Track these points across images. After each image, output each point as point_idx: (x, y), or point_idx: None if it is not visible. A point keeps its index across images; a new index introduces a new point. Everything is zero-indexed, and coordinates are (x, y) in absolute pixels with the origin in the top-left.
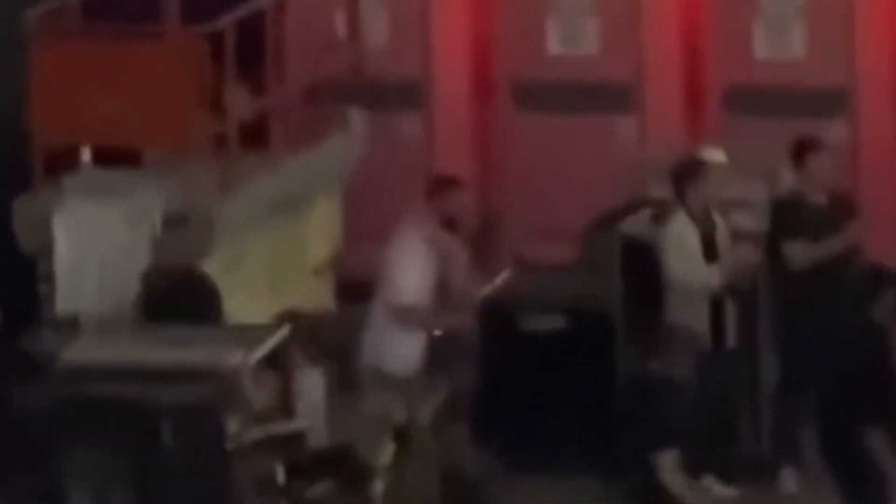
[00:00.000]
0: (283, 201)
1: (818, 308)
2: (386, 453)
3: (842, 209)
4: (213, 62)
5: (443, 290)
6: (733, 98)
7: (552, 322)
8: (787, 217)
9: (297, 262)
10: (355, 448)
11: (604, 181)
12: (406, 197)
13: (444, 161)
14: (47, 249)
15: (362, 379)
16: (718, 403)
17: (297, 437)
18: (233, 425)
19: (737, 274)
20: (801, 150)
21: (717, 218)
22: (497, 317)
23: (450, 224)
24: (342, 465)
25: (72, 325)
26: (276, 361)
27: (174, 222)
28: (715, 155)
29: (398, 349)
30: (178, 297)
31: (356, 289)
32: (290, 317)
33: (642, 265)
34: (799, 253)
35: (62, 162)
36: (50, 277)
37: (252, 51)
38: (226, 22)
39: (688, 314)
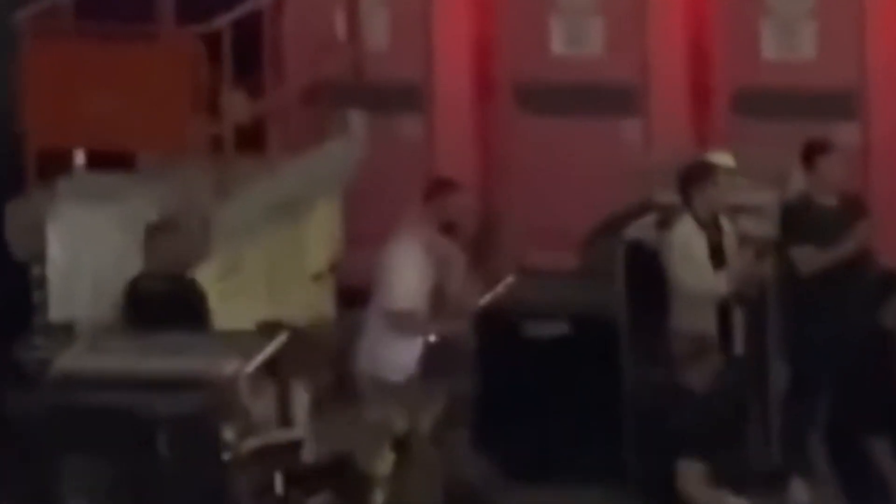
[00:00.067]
0: (282, 206)
1: (828, 313)
2: (386, 463)
3: (853, 211)
4: (210, 63)
5: (439, 295)
6: (741, 100)
7: (555, 328)
8: (797, 221)
9: (296, 268)
10: (354, 457)
11: (608, 185)
12: (407, 201)
13: (445, 164)
14: (40, 255)
15: (360, 387)
16: (727, 412)
17: (295, 447)
18: (229, 435)
19: (744, 280)
20: (812, 153)
21: (725, 223)
22: (499, 323)
23: (448, 228)
24: (341, 474)
25: (65, 332)
26: (273, 370)
27: (160, 228)
28: (722, 158)
29: (394, 355)
30: (163, 304)
31: (357, 294)
32: (270, 327)
33: (648, 271)
34: (808, 257)
35: (55, 165)
36: (43, 283)
37: (249, 52)
38: (222, 22)
39: (694, 321)
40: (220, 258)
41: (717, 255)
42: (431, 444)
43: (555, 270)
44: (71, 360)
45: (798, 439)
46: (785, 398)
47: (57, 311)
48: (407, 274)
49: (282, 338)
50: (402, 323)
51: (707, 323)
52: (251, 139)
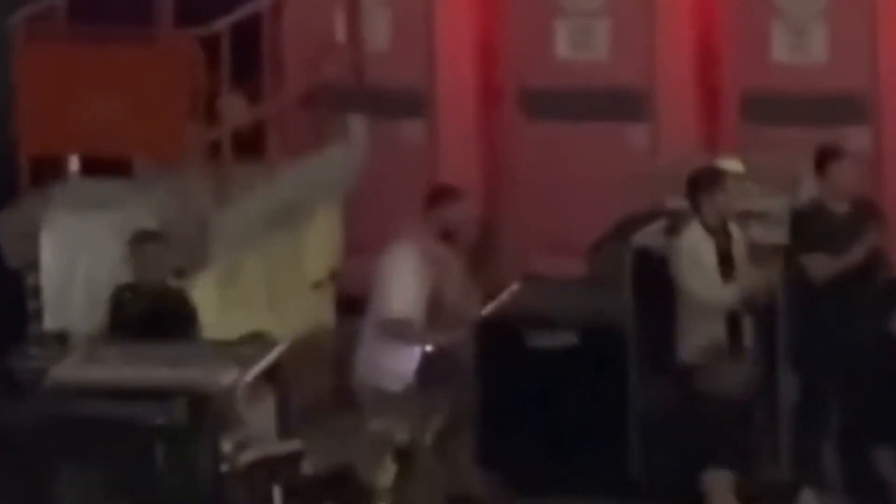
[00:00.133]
0: (281, 212)
1: (838, 321)
2: (387, 474)
3: (865, 217)
4: (208, 67)
5: (437, 304)
6: (750, 104)
7: (562, 338)
8: (808, 228)
9: (296, 276)
10: (355, 469)
11: (615, 191)
12: (409, 208)
13: (448, 170)
14: (34, 263)
15: (360, 397)
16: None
17: (294, 458)
18: (227, 446)
19: (753, 288)
20: (823, 159)
21: (734, 230)
22: (504, 333)
23: (447, 236)
24: (342, 486)
25: (60, 341)
26: (272, 380)
27: (145, 238)
28: (731, 164)
29: (391, 365)
30: (148, 315)
31: (357, 303)
32: (256, 339)
33: (656, 279)
34: (819, 265)
35: (49, 172)
36: (37, 292)
37: (248, 55)
38: (221, 25)
39: (703, 329)
40: (219, 266)
41: (726, 263)
42: (434, 455)
43: (561, 278)
44: (66, 369)
45: (808, 449)
46: (794, 407)
47: (52, 320)
48: (404, 282)
49: (281, 347)
50: (398, 332)
51: (716, 331)
52: (250, 144)
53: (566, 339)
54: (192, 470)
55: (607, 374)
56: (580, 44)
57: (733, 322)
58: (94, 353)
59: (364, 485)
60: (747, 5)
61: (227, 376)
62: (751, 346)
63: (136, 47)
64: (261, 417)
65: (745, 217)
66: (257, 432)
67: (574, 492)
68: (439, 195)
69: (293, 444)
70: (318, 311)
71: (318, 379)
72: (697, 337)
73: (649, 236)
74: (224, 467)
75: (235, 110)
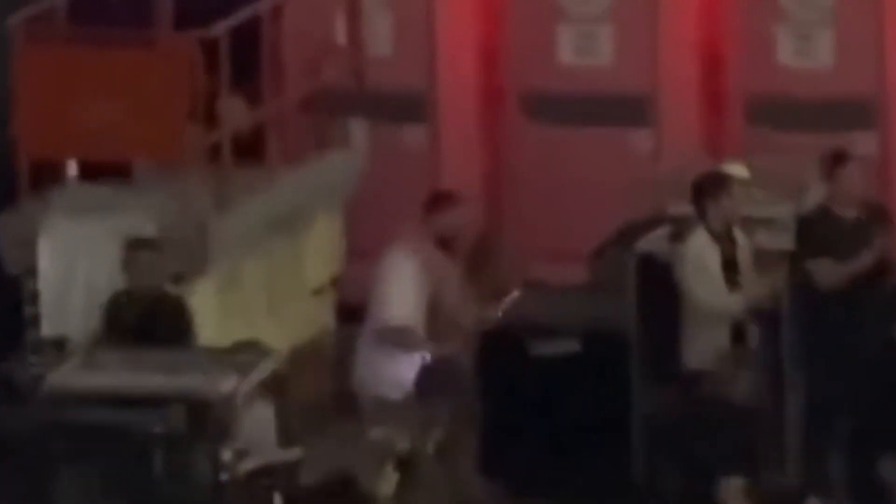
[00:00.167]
0: (281, 217)
1: (845, 328)
2: (389, 483)
3: (873, 222)
4: (207, 70)
5: (435, 311)
6: (755, 109)
7: (565, 346)
8: (815, 233)
9: (296, 282)
10: (356, 477)
11: (618, 197)
12: (410, 213)
13: (450, 175)
14: (32, 269)
15: (361, 405)
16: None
17: (294, 467)
18: (227, 454)
19: (759, 295)
20: (831, 163)
21: (740, 236)
22: (507, 341)
23: (445, 242)
24: (342, 495)
25: (58, 347)
26: (272, 387)
27: (139, 244)
28: (736, 169)
29: (389, 373)
30: (142, 322)
31: (359, 309)
32: (246, 347)
33: (660, 285)
34: (826, 271)
35: (48, 176)
36: (35, 298)
37: (248, 58)
38: (220, 28)
39: (707, 336)
40: (219, 271)
41: (731, 269)
42: (436, 463)
43: (563, 285)
44: (64, 376)
45: (814, 456)
46: (801, 414)
47: (50, 326)
48: (401, 289)
49: (280, 354)
50: (395, 339)
51: (721, 338)
52: (250, 148)
53: (569, 346)
54: (191, 478)
55: (610, 381)
56: (583, 48)
57: (738, 329)
58: (92, 359)
59: (365, 493)
60: (752, 9)
61: (226, 383)
62: (756, 353)
63: (136, 50)
64: (260, 425)
65: (750, 222)
66: (257, 440)
67: (577, 499)
68: (437, 201)
69: (293, 453)
70: (319, 318)
71: (318, 386)
72: (702, 344)
73: (653, 242)
74: (223, 476)
75: (235, 114)
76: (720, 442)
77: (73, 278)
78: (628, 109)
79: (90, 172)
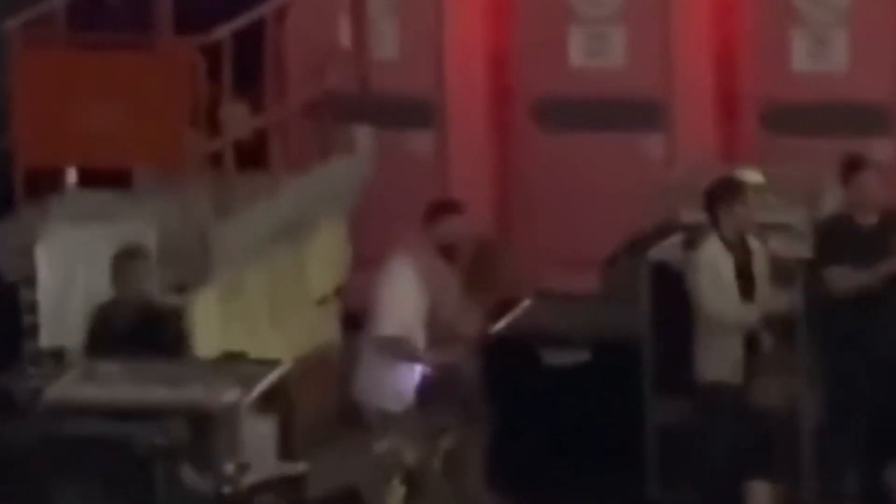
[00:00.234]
0: (285, 226)
1: (860, 337)
2: (396, 497)
3: (893, 228)
4: (209, 75)
5: (434, 320)
6: (770, 114)
7: (576, 356)
8: (832, 240)
9: (300, 292)
10: (361, 492)
11: (631, 204)
12: (416, 221)
13: (458, 182)
14: (30, 278)
15: (366, 417)
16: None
17: (299, 480)
18: (229, 468)
19: (773, 305)
20: (848, 169)
21: (754, 244)
22: (518, 351)
23: (447, 251)
24: None
25: (57, 359)
26: (275, 399)
27: (127, 255)
28: (751, 175)
29: (391, 385)
30: (130, 333)
31: (364, 319)
32: (234, 358)
33: (673, 294)
34: (841, 278)
35: (46, 183)
36: (33, 308)
37: (250, 63)
38: (222, 32)
39: (721, 347)
40: (221, 280)
41: (745, 278)
42: (444, 477)
43: (575, 294)
44: (63, 388)
45: (831, 467)
46: (816, 430)
47: (48, 337)
48: (396, 299)
49: (284, 366)
50: (392, 349)
51: (734, 348)
52: (252, 155)
53: (580, 356)
54: (193, 492)
55: (622, 391)
56: (594, 51)
57: (752, 338)
58: (91, 371)
59: None
60: (767, 11)
61: (229, 395)
62: (771, 363)
63: (136, 55)
64: (264, 438)
65: (764, 230)
66: (260, 453)
67: None
68: (437, 209)
69: (297, 466)
70: (324, 328)
71: (323, 398)
72: (715, 353)
73: (666, 251)
74: (226, 490)
75: (237, 120)
76: (726, 452)
77: (72, 288)
78: (640, 113)
79: (89, 179)
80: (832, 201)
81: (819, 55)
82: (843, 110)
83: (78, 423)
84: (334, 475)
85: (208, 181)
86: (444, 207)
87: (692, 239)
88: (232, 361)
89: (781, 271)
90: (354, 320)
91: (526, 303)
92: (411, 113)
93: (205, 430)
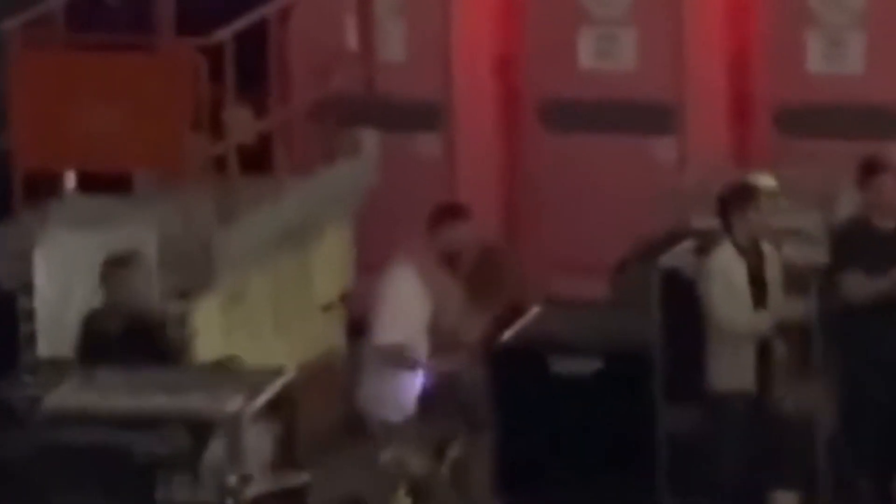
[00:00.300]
0: (289, 231)
1: (879, 344)
2: None
3: None
4: (212, 78)
5: (435, 328)
6: (784, 116)
7: (586, 364)
8: (847, 245)
9: (304, 298)
10: (365, 502)
11: (641, 208)
12: (423, 226)
13: (465, 186)
14: (28, 285)
15: (371, 426)
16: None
17: (302, 491)
18: (232, 479)
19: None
20: (866, 173)
21: (767, 249)
22: (526, 359)
23: (450, 257)
24: None
25: (55, 368)
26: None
27: (117, 262)
28: (764, 179)
29: (393, 394)
30: (120, 342)
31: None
32: (228, 363)
33: (684, 302)
34: (858, 284)
35: (45, 187)
36: (31, 316)
37: (254, 65)
38: (225, 34)
39: (733, 355)
40: (224, 286)
41: (758, 284)
42: (451, 487)
43: (584, 300)
44: (62, 397)
45: (845, 475)
46: (831, 438)
47: (46, 345)
48: (396, 306)
49: (288, 374)
50: (388, 358)
51: (747, 356)
52: (256, 159)
53: (590, 364)
54: (194, 503)
55: (633, 399)
56: (605, 52)
57: (765, 345)
58: (90, 379)
59: None
60: (781, 12)
61: (231, 404)
62: (785, 371)
63: (137, 57)
64: (266, 448)
65: (778, 235)
66: (263, 464)
67: None
68: (441, 215)
69: (301, 477)
70: (328, 335)
71: (327, 406)
72: (727, 362)
73: (678, 257)
74: (228, 501)
75: (241, 123)
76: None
77: (71, 295)
78: (651, 116)
79: (89, 184)
80: (847, 205)
81: (834, 57)
82: (858, 113)
83: (77, 432)
84: (339, 485)
85: (211, 185)
86: (449, 213)
87: (704, 245)
88: (233, 368)
89: (795, 278)
90: (360, 327)
91: (534, 310)
92: (418, 115)
93: (206, 439)
